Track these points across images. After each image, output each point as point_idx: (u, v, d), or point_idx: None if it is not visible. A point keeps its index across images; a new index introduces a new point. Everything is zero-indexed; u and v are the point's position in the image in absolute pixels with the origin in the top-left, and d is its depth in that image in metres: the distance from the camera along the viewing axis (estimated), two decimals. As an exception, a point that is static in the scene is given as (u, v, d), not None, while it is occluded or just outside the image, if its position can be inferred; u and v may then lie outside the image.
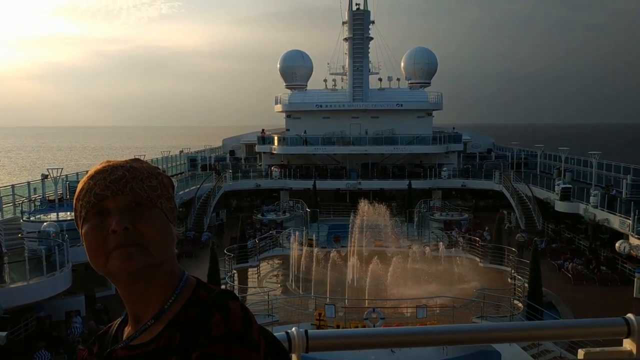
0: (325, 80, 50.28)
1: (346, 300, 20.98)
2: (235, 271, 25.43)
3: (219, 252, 23.89)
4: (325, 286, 22.81)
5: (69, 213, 23.13)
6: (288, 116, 48.76)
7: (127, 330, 1.37)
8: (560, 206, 32.80)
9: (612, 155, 44.19)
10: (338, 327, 18.06)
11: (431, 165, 43.96)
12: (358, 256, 25.47)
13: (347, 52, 48.11)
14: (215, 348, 1.19)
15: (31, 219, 24.06)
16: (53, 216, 23.82)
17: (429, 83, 50.57)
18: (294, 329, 1.91)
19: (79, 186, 1.33)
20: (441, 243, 29.39)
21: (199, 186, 38.99)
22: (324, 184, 41.70)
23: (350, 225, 28.06)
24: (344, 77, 49.31)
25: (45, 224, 21.87)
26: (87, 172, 1.39)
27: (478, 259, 27.67)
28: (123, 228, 1.25)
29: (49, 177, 26.73)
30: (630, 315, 2.06)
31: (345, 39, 48.05)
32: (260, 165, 48.41)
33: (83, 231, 1.30)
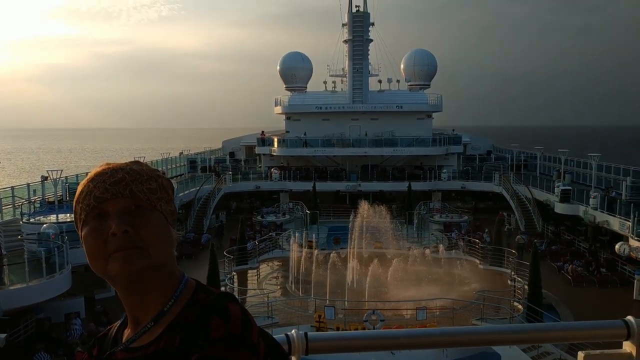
0: (325, 82, 50.42)
1: (346, 302, 20.95)
2: (234, 273, 25.43)
3: (218, 253, 23.89)
4: (325, 288, 22.78)
5: (68, 215, 23.15)
6: (288, 118, 48.80)
7: (127, 332, 1.37)
8: (560, 208, 32.81)
9: (610, 156, 44.25)
10: (338, 329, 18.07)
11: (431, 167, 43.96)
12: (358, 258, 25.45)
13: (346, 54, 48.15)
14: (214, 350, 1.19)
15: (31, 220, 24.06)
16: (53, 218, 23.82)
17: (429, 85, 50.61)
18: (293, 331, 1.91)
19: (79, 189, 1.33)
20: (441, 245, 29.39)
21: (198, 188, 38.99)
22: (323, 186, 41.69)
23: (350, 227, 28.05)
24: (344, 79, 49.36)
25: (44, 225, 21.87)
26: (86, 174, 1.40)
27: (478, 261, 27.65)
28: (123, 231, 1.25)
29: (48, 178, 26.74)
30: (630, 318, 2.06)
31: (345, 41, 48.11)
32: (260, 167, 48.43)
33: (83, 234, 1.30)
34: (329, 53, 64.85)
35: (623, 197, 29.61)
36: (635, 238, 24.89)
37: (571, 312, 21.14)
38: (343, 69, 49.08)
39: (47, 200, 28.00)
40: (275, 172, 43.65)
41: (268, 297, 21.17)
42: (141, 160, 1.76)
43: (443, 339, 2.18)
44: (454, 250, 29.54)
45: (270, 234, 32.92)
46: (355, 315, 19.66)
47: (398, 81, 49.55)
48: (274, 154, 46.51)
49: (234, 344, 1.21)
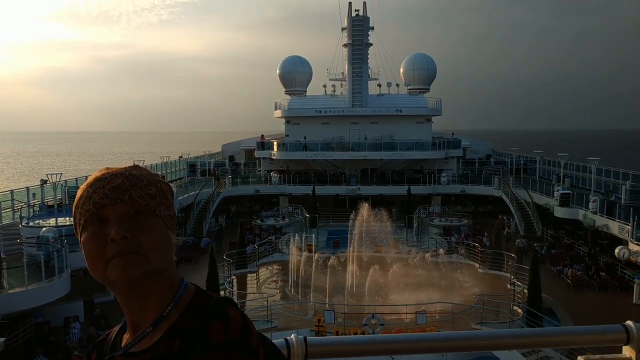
0: (324, 86, 50.47)
1: (345, 306, 20.92)
2: (234, 277, 25.41)
3: (218, 257, 23.86)
4: (325, 292, 22.78)
5: (68, 218, 23.12)
6: (287, 122, 48.84)
7: (126, 337, 1.36)
8: (560, 212, 32.81)
9: (609, 160, 44.27)
10: (337, 333, 18.04)
11: (430, 171, 43.98)
12: (357, 262, 25.44)
13: (346, 58, 48.25)
14: (214, 355, 1.19)
15: (30, 224, 24.02)
16: (52, 221, 23.77)
17: (428, 89, 50.68)
18: (293, 335, 1.91)
19: (78, 193, 1.33)
20: (441, 249, 29.38)
21: (198, 192, 38.99)
22: (323, 190, 41.71)
23: (349, 231, 28.04)
24: (344, 82, 49.43)
25: (44, 229, 21.83)
26: (86, 177, 1.40)
27: (477, 265, 27.65)
28: (122, 237, 1.26)
29: (48, 182, 26.72)
30: (629, 323, 2.06)
31: (345, 45, 48.21)
32: (260, 170, 48.44)
33: (82, 239, 1.30)
34: (328, 57, 65.12)
35: (622, 201, 29.58)
36: (635, 242, 24.88)
37: (571, 316, 21.11)
38: (343, 73, 49.16)
39: (46, 203, 27.99)
40: (274, 176, 43.67)
41: (267, 301, 21.17)
42: (141, 165, 1.76)
43: (443, 344, 2.18)
44: (453, 254, 29.53)
45: (269, 237, 32.92)
46: (354, 319, 19.64)
47: (397, 85, 49.68)
48: (274, 157, 46.53)
49: (234, 349, 1.21)
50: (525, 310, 20.10)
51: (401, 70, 51.01)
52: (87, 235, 1.29)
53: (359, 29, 47.21)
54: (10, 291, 17.98)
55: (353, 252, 26.40)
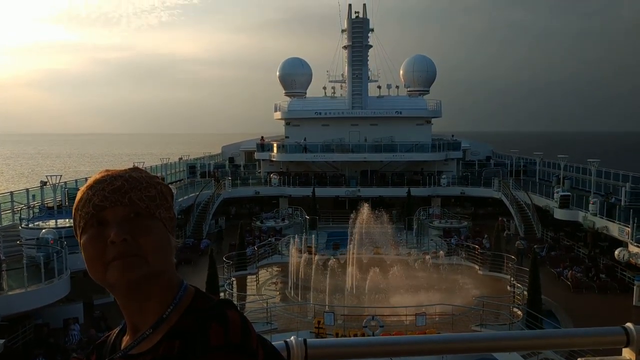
0: (324, 88, 50.52)
1: (345, 308, 20.91)
2: (234, 278, 25.38)
3: (217, 259, 23.84)
4: (324, 294, 22.76)
5: (67, 220, 23.10)
6: (287, 123, 48.86)
7: (126, 339, 1.37)
8: (560, 214, 32.81)
9: (609, 162, 44.28)
10: (337, 334, 18.02)
11: (430, 173, 44.00)
12: (357, 263, 25.42)
13: (346, 60, 48.30)
14: (213, 358, 1.19)
15: (30, 226, 24.01)
16: (52, 223, 23.77)
17: (428, 91, 50.71)
18: (292, 338, 1.90)
19: (78, 196, 1.33)
20: (441, 251, 29.37)
21: (198, 193, 38.99)
22: (323, 192, 41.72)
23: (349, 233, 28.04)
24: (343, 84, 49.47)
25: (43, 231, 21.83)
26: (86, 179, 1.40)
27: (477, 267, 27.63)
28: (122, 239, 1.26)
29: (47, 184, 26.72)
30: (629, 325, 2.05)
31: (345, 47, 48.27)
32: (260, 172, 48.43)
33: (82, 241, 1.30)
34: (328, 59, 65.21)
35: (622, 203, 29.59)
36: (635, 244, 24.87)
37: (571, 318, 21.09)
38: (342, 75, 49.21)
39: (46, 205, 27.97)
40: (274, 178, 43.66)
41: (267, 302, 21.13)
42: (140, 166, 1.77)
43: (443, 346, 2.18)
44: (453, 256, 29.51)
45: (269, 239, 32.90)
46: (354, 321, 19.63)
47: (397, 87, 49.71)
48: (274, 159, 46.54)
49: (233, 351, 1.21)
50: (525, 312, 20.09)
51: (401, 72, 51.06)
52: (87, 238, 1.29)
53: (358, 31, 47.27)
54: (10, 293, 17.96)
55: (353, 253, 26.41)
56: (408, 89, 49.98)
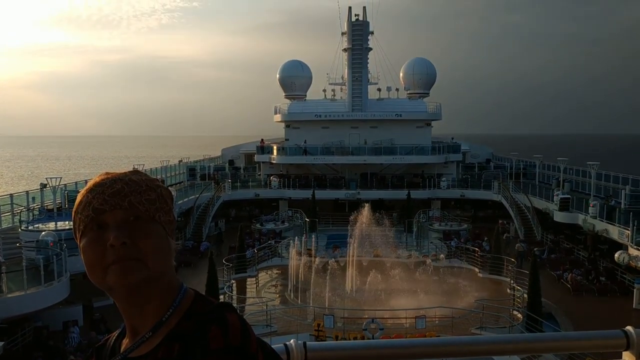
0: (324, 90, 50.51)
1: (345, 311, 20.89)
2: (233, 281, 25.38)
3: (217, 261, 23.82)
4: (324, 296, 22.74)
5: (67, 222, 23.11)
6: (287, 126, 48.87)
7: (125, 342, 1.36)
8: (559, 216, 32.81)
9: (609, 165, 44.30)
10: (337, 337, 18.01)
11: (430, 176, 44.00)
12: (357, 266, 25.41)
13: (346, 63, 48.33)
14: (213, 361, 1.19)
15: (29, 228, 24.02)
16: (51, 225, 23.78)
17: (428, 93, 50.75)
18: (292, 341, 1.90)
19: (78, 199, 1.33)
20: (442, 254, 29.36)
21: (197, 196, 39.00)
22: (323, 194, 41.68)
23: (349, 235, 28.02)
24: (343, 87, 49.49)
25: (43, 233, 21.83)
26: (86, 181, 1.40)
27: (477, 270, 27.61)
28: (121, 242, 1.26)
29: (47, 186, 26.71)
30: (629, 328, 2.05)
31: (345, 50, 48.31)
32: (260, 175, 48.46)
33: (81, 244, 1.30)
34: (328, 61, 65.16)
35: (622, 206, 29.58)
36: (635, 247, 24.87)
37: (570, 321, 21.08)
38: (342, 78, 49.24)
39: (45, 207, 27.95)
40: (274, 180, 43.64)
41: (267, 305, 21.11)
42: (140, 169, 1.77)
43: (443, 349, 2.17)
44: (453, 259, 29.49)
45: (269, 242, 32.90)
46: (354, 323, 19.61)
47: (397, 89, 49.68)
48: (274, 161, 46.53)
49: (233, 354, 1.21)
50: (525, 315, 20.08)
51: (401, 74, 51.10)
52: (87, 241, 1.29)
53: (358, 34, 47.33)
54: (10, 295, 17.95)
55: (352, 256, 26.39)
56: (408, 92, 50.00)
